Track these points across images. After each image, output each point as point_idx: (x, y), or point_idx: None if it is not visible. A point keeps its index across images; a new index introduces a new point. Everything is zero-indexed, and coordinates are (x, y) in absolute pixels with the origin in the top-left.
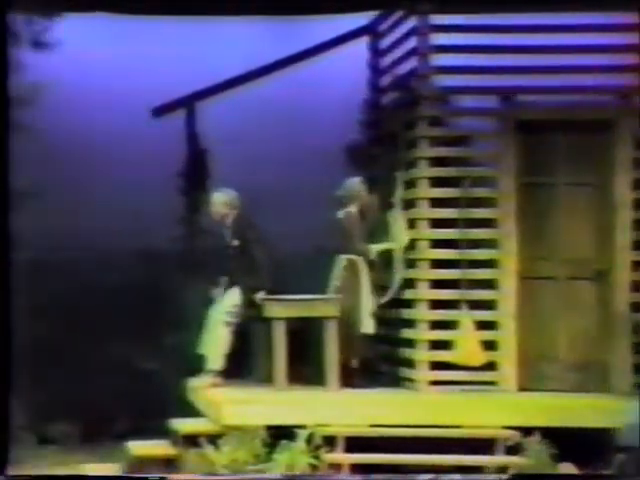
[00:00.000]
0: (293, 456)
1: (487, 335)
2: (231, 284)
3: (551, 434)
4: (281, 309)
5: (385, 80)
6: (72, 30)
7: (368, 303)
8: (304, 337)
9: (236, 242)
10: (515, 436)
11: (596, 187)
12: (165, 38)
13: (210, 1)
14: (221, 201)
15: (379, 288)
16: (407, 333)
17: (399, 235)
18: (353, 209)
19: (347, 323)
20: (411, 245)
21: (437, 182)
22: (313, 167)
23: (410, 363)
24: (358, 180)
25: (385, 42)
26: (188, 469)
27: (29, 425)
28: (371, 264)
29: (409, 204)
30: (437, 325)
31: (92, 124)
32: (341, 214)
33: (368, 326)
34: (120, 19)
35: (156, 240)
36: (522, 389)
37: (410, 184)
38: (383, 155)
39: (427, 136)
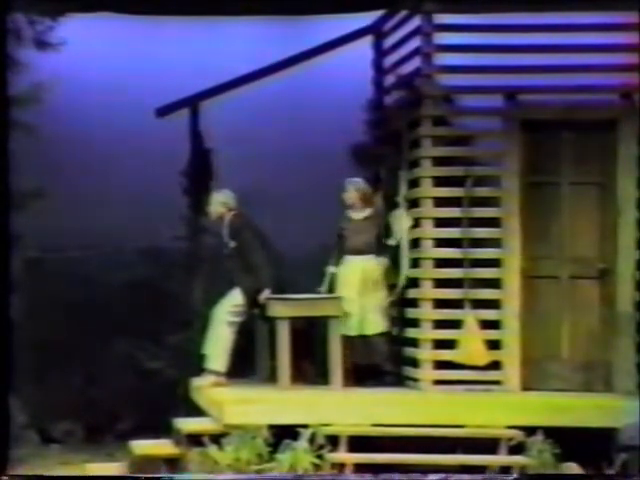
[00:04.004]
0: (296, 455)
1: (491, 334)
2: (232, 284)
3: (555, 434)
4: (285, 308)
5: (389, 79)
6: (76, 30)
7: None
8: (308, 336)
9: (233, 243)
10: (519, 436)
11: (600, 186)
12: (169, 38)
13: (214, 1)
14: (218, 201)
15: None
16: (411, 332)
17: (402, 234)
18: (352, 209)
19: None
20: (414, 244)
21: (441, 181)
22: (317, 166)
23: (414, 362)
24: (358, 180)
25: (389, 41)
26: (191, 468)
27: (32, 424)
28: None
29: (413, 203)
30: (441, 324)
31: (96, 124)
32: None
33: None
34: (124, 19)
35: (160, 239)
36: (526, 388)
37: (414, 183)
38: (387, 154)
39: (431, 135)
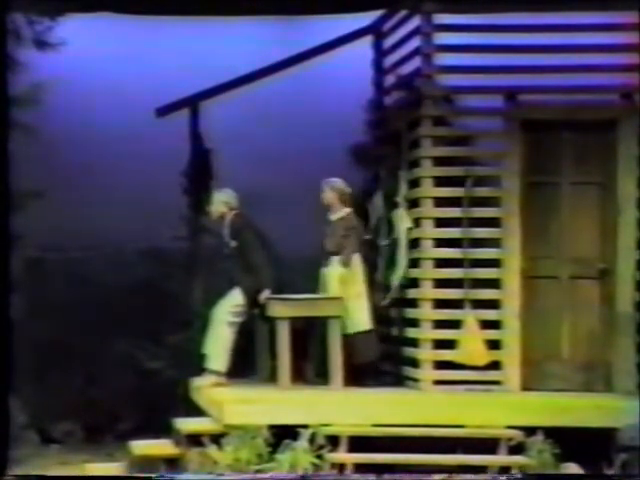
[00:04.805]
0: (296, 456)
1: (491, 334)
2: (232, 284)
3: (554, 434)
4: (285, 309)
5: (389, 79)
6: (75, 30)
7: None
8: (308, 336)
9: (233, 243)
10: (518, 436)
11: (600, 186)
12: (169, 38)
13: (214, 1)
14: (220, 200)
15: (383, 287)
16: (411, 332)
17: (399, 234)
18: (330, 209)
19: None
20: (414, 244)
21: (441, 181)
22: (317, 166)
23: (414, 362)
24: (335, 180)
25: (389, 42)
26: (191, 468)
27: (32, 424)
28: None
29: (413, 203)
30: (441, 324)
31: (96, 124)
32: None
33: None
34: (124, 19)
35: (160, 239)
36: (526, 388)
37: (414, 183)
38: (387, 154)
39: (431, 135)
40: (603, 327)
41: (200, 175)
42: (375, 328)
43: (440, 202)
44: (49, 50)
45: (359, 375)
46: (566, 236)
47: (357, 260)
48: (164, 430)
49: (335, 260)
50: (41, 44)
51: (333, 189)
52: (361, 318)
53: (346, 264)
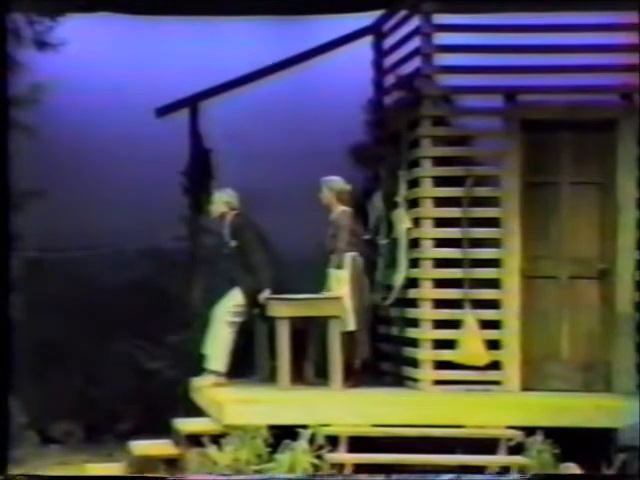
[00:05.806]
0: (295, 456)
1: (490, 334)
2: (232, 284)
3: (554, 434)
4: (285, 308)
5: (389, 80)
6: (75, 30)
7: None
8: (307, 336)
9: (234, 242)
10: (518, 436)
11: (600, 186)
12: (168, 38)
13: (214, 1)
14: (221, 200)
15: (384, 287)
16: (411, 332)
17: (400, 234)
18: (329, 209)
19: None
20: (414, 244)
21: (441, 181)
22: (317, 166)
23: (414, 362)
24: (332, 179)
25: (389, 42)
26: (191, 469)
27: (32, 424)
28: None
29: (413, 203)
30: (440, 324)
31: (95, 124)
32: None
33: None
34: (124, 19)
35: (160, 239)
36: (525, 389)
37: (414, 183)
38: (387, 154)
39: (431, 135)
40: (603, 327)
41: (200, 175)
42: (361, 329)
43: (440, 202)
44: (49, 50)
45: (347, 375)
46: (566, 236)
47: (347, 260)
48: (164, 430)
49: (333, 260)
50: (41, 44)
51: (331, 188)
52: (348, 319)
53: (339, 264)
